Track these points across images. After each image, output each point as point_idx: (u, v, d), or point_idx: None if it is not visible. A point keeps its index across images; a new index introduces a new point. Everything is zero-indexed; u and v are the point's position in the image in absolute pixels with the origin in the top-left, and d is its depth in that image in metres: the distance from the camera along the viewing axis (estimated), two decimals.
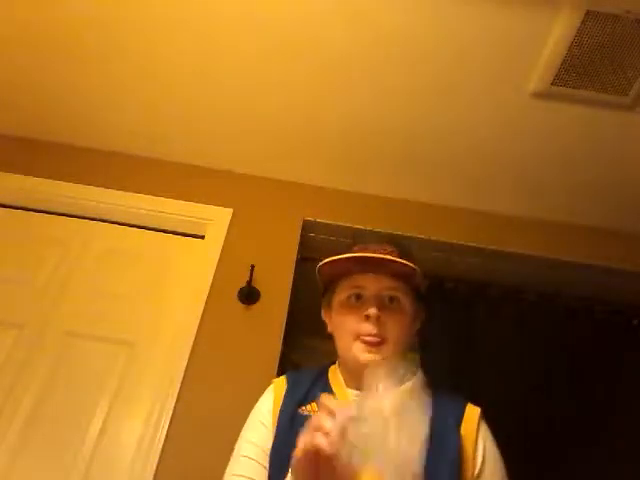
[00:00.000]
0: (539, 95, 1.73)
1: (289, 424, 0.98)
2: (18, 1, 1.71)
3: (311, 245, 2.23)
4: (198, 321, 1.89)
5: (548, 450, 1.88)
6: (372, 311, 0.98)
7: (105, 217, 2.16)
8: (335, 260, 1.05)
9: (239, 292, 1.96)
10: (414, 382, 0.98)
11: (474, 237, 2.20)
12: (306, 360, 2.16)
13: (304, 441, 0.70)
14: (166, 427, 1.70)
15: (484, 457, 0.96)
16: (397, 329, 1.00)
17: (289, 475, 0.83)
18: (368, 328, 0.98)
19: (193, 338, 1.85)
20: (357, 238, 1.11)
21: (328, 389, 1.04)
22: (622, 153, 1.93)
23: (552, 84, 1.68)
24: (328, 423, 0.68)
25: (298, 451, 0.71)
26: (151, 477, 1.62)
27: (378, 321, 0.98)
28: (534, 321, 2.15)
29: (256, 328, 1.92)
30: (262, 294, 1.98)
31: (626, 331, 2.18)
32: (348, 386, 1.04)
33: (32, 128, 2.22)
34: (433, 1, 1.53)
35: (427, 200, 2.27)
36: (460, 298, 2.18)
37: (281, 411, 1.01)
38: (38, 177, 2.14)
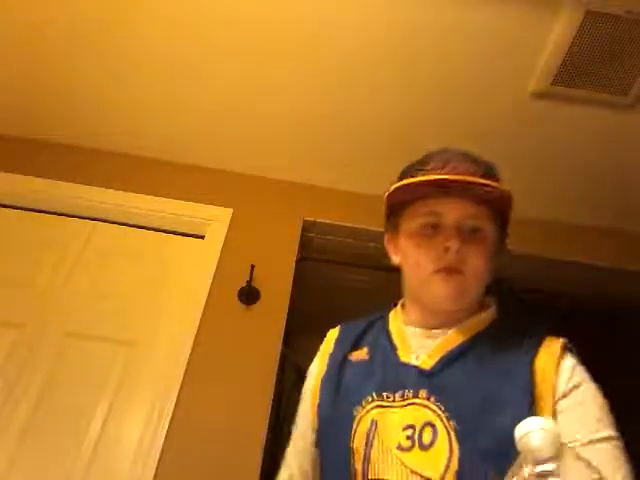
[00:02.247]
0: (539, 95, 1.73)
1: (337, 372, 0.91)
2: (17, 1, 1.71)
3: (311, 245, 2.23)
4: (198, 321, 1.89)
5: None
6: (453, 244, 0.84)
7: (105, 217, 2.16)
8: (410, 184, 0.88)
9: (239, 292, 1.96)
10: (483, 316, 0.90)
11: None
12: (306, 360, 2.16)
13: None
14: (166, 427, 1.70)
15: (570, 389, 0.79)
16: (478, 263, 0.87)
17: None
18: (447, 260, 0.85)
19: (193, 338, 1.85)
20: (430, 153, 0.93)
21: (384, 330, 0.95)
22: (622, 153, 1.93)
23: (552, 84, 1.68)
24: None
25: None
26: (151, 477, 1.62)
27: (458, 254, 0.85)
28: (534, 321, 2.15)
29: (256, 328, 1.92)
30: (262, 294, 1.98)
31: (626, 331, 2.18)
32: (409, 324, 0.93)
33: (32, 128, 2.21)
34: (433, 1, 1.53)
35: None
36: None
37: (329, 361, 0.95)
38: (38, 177, 2.14)
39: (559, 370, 0.81)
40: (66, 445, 1.72)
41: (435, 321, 0.89)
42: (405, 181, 0.89)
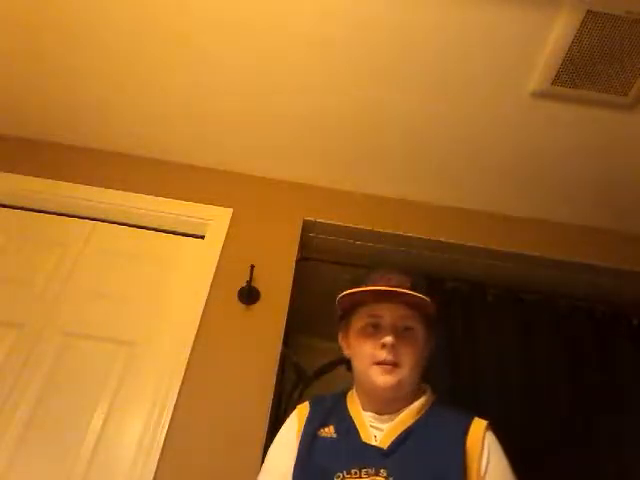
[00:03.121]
0: (539, 95, 1.73)
1: (309, 445, 1.08)
2: (18, 2, 1.71)
3: (311, 245, 2.23)
4: (198, 321, 1.89)
5: (547, 451, 1.88)
6: (388, 339, 1.07)
7: (105, 217, 2.16)
8: (355, 292, 1.13)
9: (239, 292, 1.96)
10: (421, 401, 1.12)
11: (474, 237, 2.19)
12: (306, 360, 2.16)
13: None
14: (166, 427, 1.70)
15: (487, 465, 1.02)
16: (410, 355, 1.09)
17: None
18: (384, 355, 1.07)
19: (193, 338, 1.85)
20: (372, 270, 1.20)
21: (345, 413, 1.14)
22: (622, 153, 1.93)
23: (552, 84, 1.68)
24: None
25: None
26: (151, 477, 1.61)
27: (393, 348, 1.07)
28: (534, 321, 2.15)
29: (256, 328, 1.92)
30: (262, 294, 1.98)
31: (626, 331, 2.18)
32: (365, 409, 1.12)
33: (32, 128, 2.21)
34: (433, 1, 1.53)
35: (427, 200, 2.27)
36: (460, 298, 2.18)
37: (303, 434, 1.11)
38: (38, 177, 2.14)
39: (483, 450, 1.03)
40: (66, 445, 1.72)
41: (382, 408, 1.10)
42: (350, 290, 1.14)
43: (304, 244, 2.18)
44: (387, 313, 1.12)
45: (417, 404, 1.11)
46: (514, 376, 2.00)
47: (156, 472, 1.62)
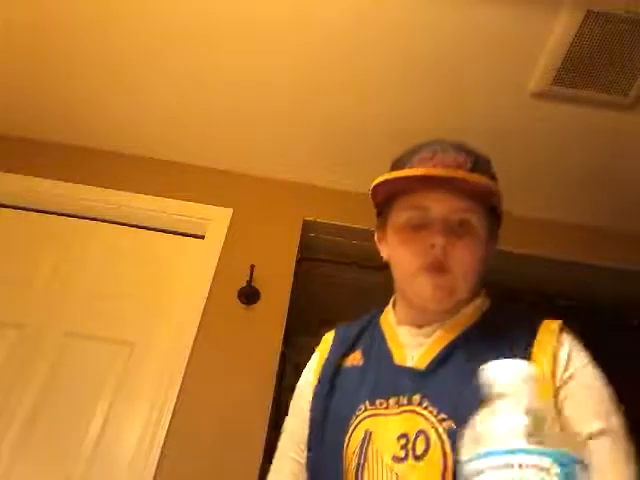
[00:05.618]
0: (539, 95, 1.73)
1: (331, 379, 0.88)
2: (18, 1, 1.71)
3: (311, 245, 2.23)
4: (198, 321, 1.89)
5: None
6: (438, 240, 0.81)
7: (105, 217, 2.16)
8: (393, 179, 0.85)
9: (239, 292, 1.96)
10: (471, 308, 0.87)
11: None
12: (306, 360, 2.16)
13: None
14: (166, 427, 1.70)
15: (566, 376, 0.76)
16: (467, 259, 0.83)
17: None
18: (432, 257, 0.81)
19: (193, 338, 1.85)
20: (420, 145, 0.90)
21: (377, 332, 0.92)
22: (622, 153, 1.93)
23: (552, 84, 1.68)
24: None
25: None
26: (151, 477, 1.62)
27: (445, 250, 0.81)
28: None
29: (256, 328, 1.92)
30: (262, 294, 1.98)
31: (626, 331, 2.18)
32: (400, 323, 0.90)
33: (32, 128, 2.21)
34: (433, 1, 1.53)
35: None
36: None
37: (324, 365, 0.92)
38: (38, 177, 2.14)
39: (557, 357, 0.77)
40: (66, 445, 1.72)
41: (423, 319, 0.86)
42: (385, 176, 0.85)
43: (304, 244, 2.18)
44: (437, 204, 0.83)
45: (466, 311, 0.86)
46: None
47: (156, 472, 1.63)
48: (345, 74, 1.78)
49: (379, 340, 0.90)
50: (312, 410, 0.88)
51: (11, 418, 1.75)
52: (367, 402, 0.81)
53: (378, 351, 0.88)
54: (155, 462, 1.64)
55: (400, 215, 0.87)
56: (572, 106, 1.76)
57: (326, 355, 0.94)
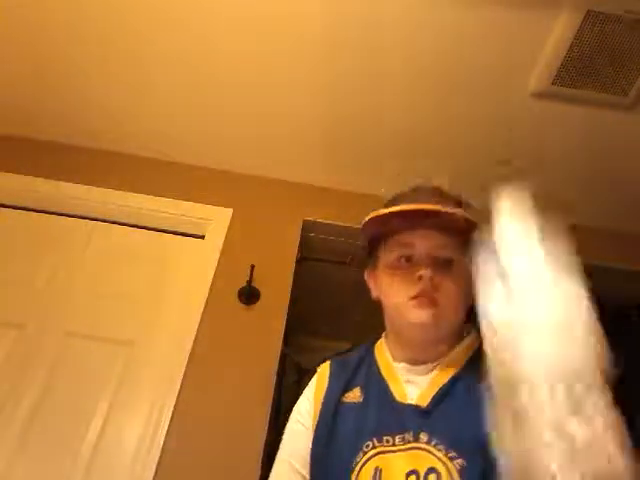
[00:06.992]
0: (539, 95, 1.73)
1: (332, 416, 0.89)
2: (18, 1, 1.70)
3: (311, 245, 2.23)
4: (198, 321, 1.89)
5: None
6: (425, 272, 0.84)
7: (105, 217, 2.16)
8: (378, 216, 0.91)
9: (239, 292, 1.96)
10: (466, 343, 0.90)
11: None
12: (306, 360, 2.16)
13: None
14: (166, 427, 1.70)
15: None
16: (452, 291, 0.86)
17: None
18: (419, 287, 0.85)
19: (193, 338, 1.85)
20: (400, 193, 0.97)
21: (374, 368, 0.93)
22: (622, 153, 1.93)
23: (552, 84, 1.68)
24: None
25: None
26: (151, 477, 1.62)
27: (431, 282, 0.84)
28: None
29: (256, 328, 1.92)
30: (262, 294, 1.98)
31: (626, 331, 2.18)
32: (395, 360, 0.91)
33: (32, 128, 2.22)
34: (433, 1, 1.53)
35: None
36: None
37: (323, 403, 0.92)
38: (38, 177, 2.14)
39: None
40: (66, 445, 1.72)
41: (418, 356, 0.89)
42: (374, 213, 0.92)
43: (304, 244, 2.18)
44: (422, 241, 0.88)
45: (461, 347, 0.89)
46: None
47: (156, 472, 1.63)
48: (345, 74, 1.78)
49: (377, 376, 0.92)
50: (314, 446, 0.89)
51: (11, 418, 1.75)
52: (375, 439, 0.82)
53: (378, 388, 0.90)
54: (155, 462, 1.64)
55: (390, 254, 0.93)
56: (572, 106, 1.76)
57: (324, 390, 0.95)
